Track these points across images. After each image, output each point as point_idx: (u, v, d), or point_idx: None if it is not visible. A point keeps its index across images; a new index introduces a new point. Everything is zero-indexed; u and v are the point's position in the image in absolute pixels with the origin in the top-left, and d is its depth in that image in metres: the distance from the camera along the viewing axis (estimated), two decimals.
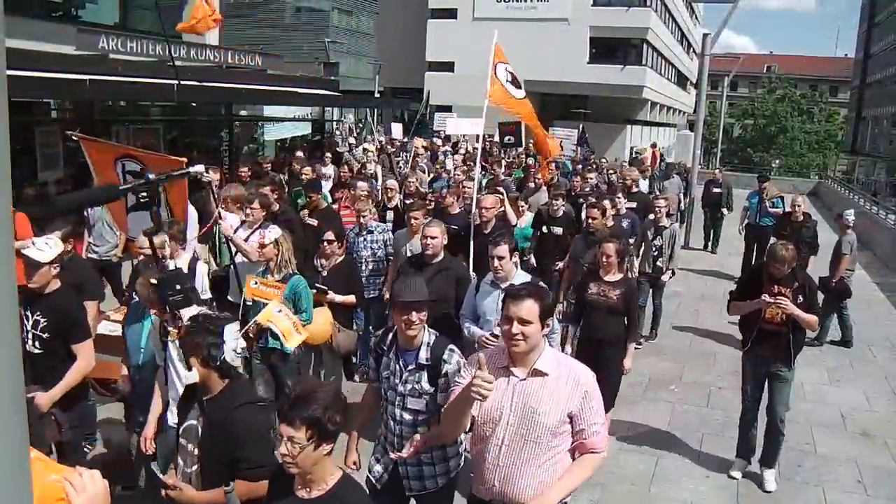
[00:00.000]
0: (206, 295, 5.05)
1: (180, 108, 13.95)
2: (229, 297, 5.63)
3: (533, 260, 7.62)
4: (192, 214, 6.01)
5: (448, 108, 26.96)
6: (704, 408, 6.52)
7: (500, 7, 35.08)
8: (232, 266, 4.81)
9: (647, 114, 38.64)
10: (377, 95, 33.89)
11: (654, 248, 7.96)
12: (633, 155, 20.96)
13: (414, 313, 3.16)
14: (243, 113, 17.07)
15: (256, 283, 4.60)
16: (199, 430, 2.88)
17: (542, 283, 3.66)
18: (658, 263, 7.98)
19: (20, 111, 10.46)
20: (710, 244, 14.33)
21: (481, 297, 4.54)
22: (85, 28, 11.78)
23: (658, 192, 12.01)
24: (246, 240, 5.62)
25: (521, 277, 4.33)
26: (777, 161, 49.46)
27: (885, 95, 50.78)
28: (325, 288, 5.18)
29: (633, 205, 8.75)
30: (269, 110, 18.26)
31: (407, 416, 3.24)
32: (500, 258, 4.32)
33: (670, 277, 8.21)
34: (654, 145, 25.13)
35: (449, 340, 3.37)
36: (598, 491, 4.95)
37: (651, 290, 8.14)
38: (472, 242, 6.32)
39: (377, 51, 43.85)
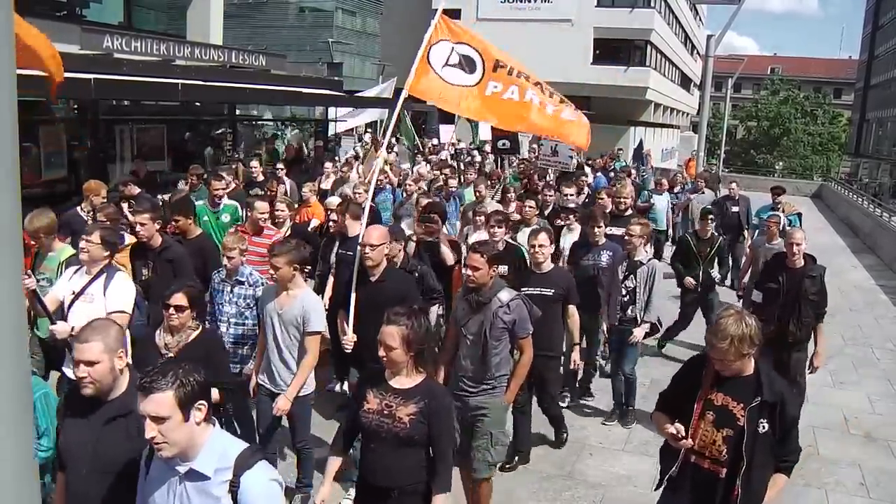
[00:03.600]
0: None
1: (184, 107, 14.01)
2: (63, 369, 4.14)
3: None
4: None
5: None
6: None
7: (504, 8, 35.13)
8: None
9: (650, 115, 38.63)
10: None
11: (623, 292, 5.74)
12: (638, 150, 17.43)
13: None
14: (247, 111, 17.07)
15: None
16: None
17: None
18: (629, 313, 5.72)
19: (24, 110, 10.46)
20: (728, 278, 10.44)
21: (151, 485, 2.30)
22: (89, 27, 11.79)
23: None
24: (82, 290, 4.06)
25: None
26: (780, 163, 49.55)
27: (890, 97, 50.67)
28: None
29: (621, 231, 6.28)
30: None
31: None
32: (156, 418, 2.11)
33: (646, 335, 5.86)
34: (694, 154, 20.93)
35: None
36: (601, 492, 4.95)
37: (616, 354, 5.97)
38: (352, 295, 4.37)
39: (381, 51, 43.89)
